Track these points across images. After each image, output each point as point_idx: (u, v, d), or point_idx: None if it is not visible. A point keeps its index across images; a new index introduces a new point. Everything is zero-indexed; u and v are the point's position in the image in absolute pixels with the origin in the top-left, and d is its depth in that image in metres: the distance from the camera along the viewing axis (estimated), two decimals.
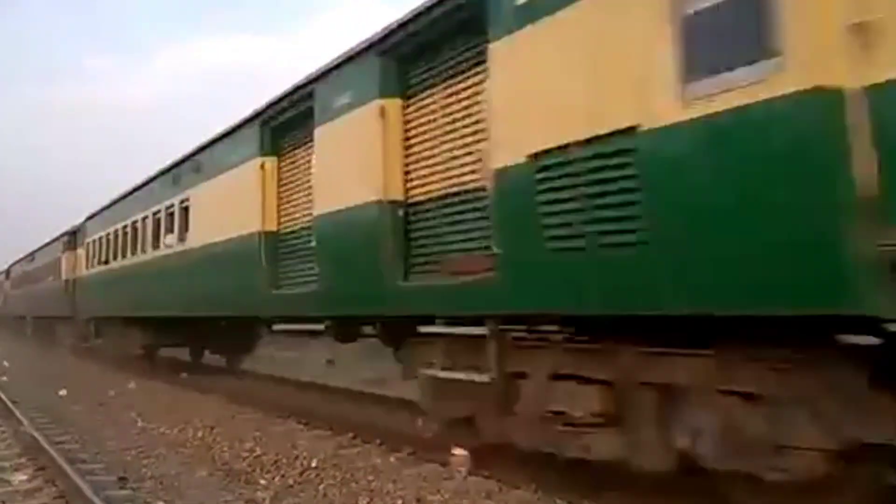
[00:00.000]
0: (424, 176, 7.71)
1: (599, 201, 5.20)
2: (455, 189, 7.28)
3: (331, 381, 14.59)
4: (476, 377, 6.99)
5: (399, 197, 7.92)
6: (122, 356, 19.52)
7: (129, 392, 14.36)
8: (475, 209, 6.93)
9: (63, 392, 14.32)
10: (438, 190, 7.52)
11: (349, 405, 11.71)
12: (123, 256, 18.63)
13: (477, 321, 7.00)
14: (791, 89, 4.02)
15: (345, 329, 10.04)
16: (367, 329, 9.86)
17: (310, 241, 9.68)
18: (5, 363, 19.18)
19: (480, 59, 6.74)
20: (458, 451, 7.45)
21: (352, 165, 8.46)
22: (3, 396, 12.86)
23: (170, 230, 15.28)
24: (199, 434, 9.76)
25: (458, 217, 7.26)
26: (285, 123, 10.67)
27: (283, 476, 7.37)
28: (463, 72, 7.18)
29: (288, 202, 10.78)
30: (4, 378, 16.98)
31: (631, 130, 4.94)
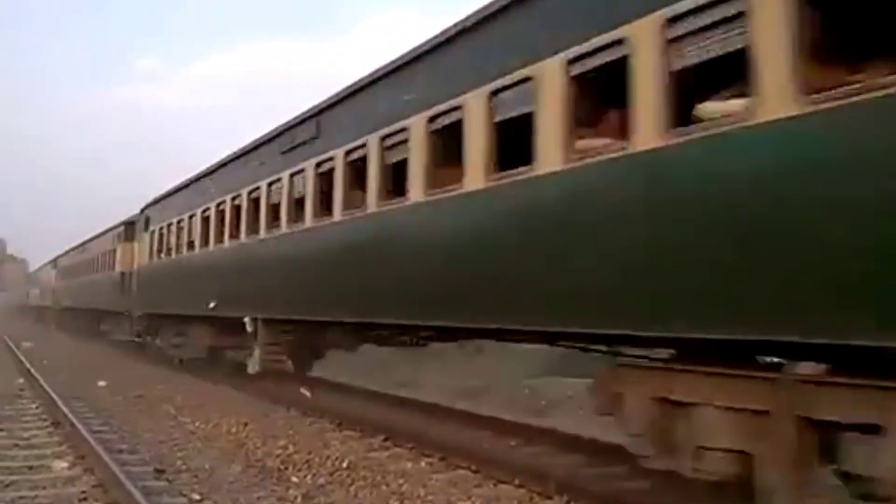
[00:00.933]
0: None
1: None
2: None
3: (365, 383, 14.70)
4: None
5: None
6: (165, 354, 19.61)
7: (165, 385, 14.60)
8: None
9: (102, 383, 14.62)
10: None
11: (380, 407, 11.79)
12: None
13: None
14: None
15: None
16: None
17: None
18: (45, 362, 19.37)
19: None
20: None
21: None
22: (46, 386, 13.17)
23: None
24: (233, 430, 9.91)
25: None
26: None
27: (314, 475, 7.47)
28: None
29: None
30: (44, 361, 17.40)
31: None
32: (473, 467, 7.63)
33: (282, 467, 7.79)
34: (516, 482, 7.04)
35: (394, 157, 8.89)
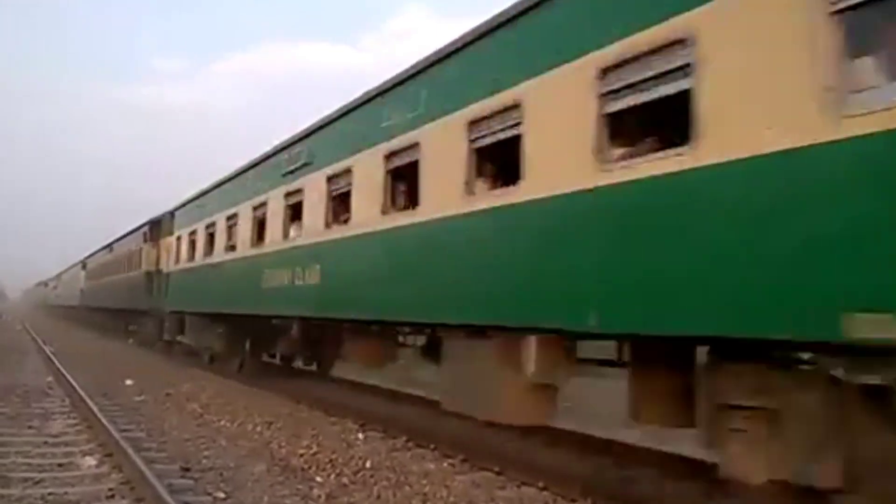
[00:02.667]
0: None
1: None
2: None
3: (383, 382, 14.75)
4: None
5: None
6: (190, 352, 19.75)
7: (191, 384, 14.74)
8: None
9: (130, 382, 14.80)
10: None
11: (403, 408, 11.81)
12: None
13: None
14: None
15: None
16: None
17: None
18: (72, 360, 19.57)
19: None
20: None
21: None
22: (74, 384, 13.35)
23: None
24: (258, 429, 9.99)
25: None
26: None
27: (338, 475, 7.50)
28: None
29: None
30: (72, 359, 17.63)
31: None
32: (497, 468, 7.63)
33: (306, 467, 7.84)
34: (540, 484, 7.04)
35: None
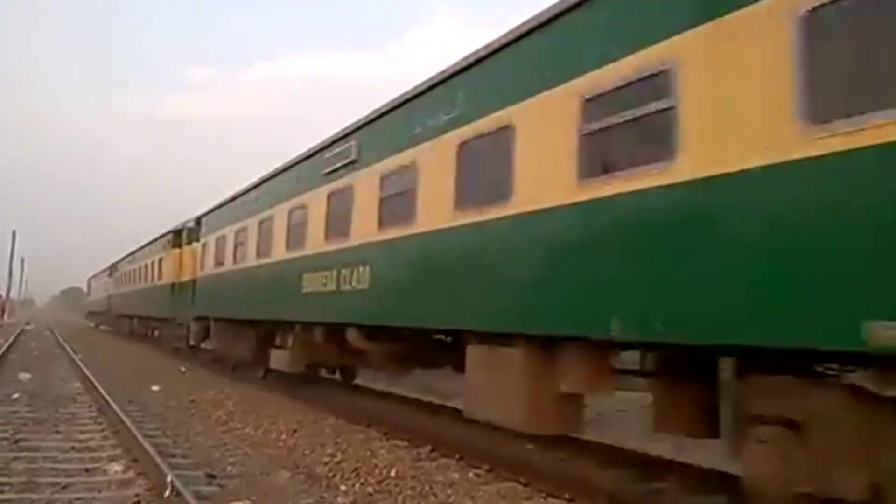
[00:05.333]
0: None
1: None
2: None
3: (409, 392, 14.72)
4: None
5: None
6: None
7: (217, 391, 14.81)
8: None
9: (156, 388, 14.90)
10: None
11: (427, 417, 11.76)
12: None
13: None
14: None
15: None
16: None
17: None
18: (100, 366, 19.76)
19: None
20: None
21: None
22: (101, 390, 13.46)
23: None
24: (282, 437, 10.00)
25: None
26: None
27: (362, 483, 7.48)
28: None
29: None
30: (99, 365, 17.79)
31: None
32: (523, 480, 7.56)
33: (330, 475, 7.83)
34: (566, 496, 6.96)
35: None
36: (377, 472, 7.96)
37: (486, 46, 8.38)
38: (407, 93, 10.08)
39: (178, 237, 24.73)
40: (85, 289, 76.91)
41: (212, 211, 20.85)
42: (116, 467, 7.86)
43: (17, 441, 9.11)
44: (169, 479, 6.70)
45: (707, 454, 7.79)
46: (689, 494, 6.93)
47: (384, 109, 10.73)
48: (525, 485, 7.45)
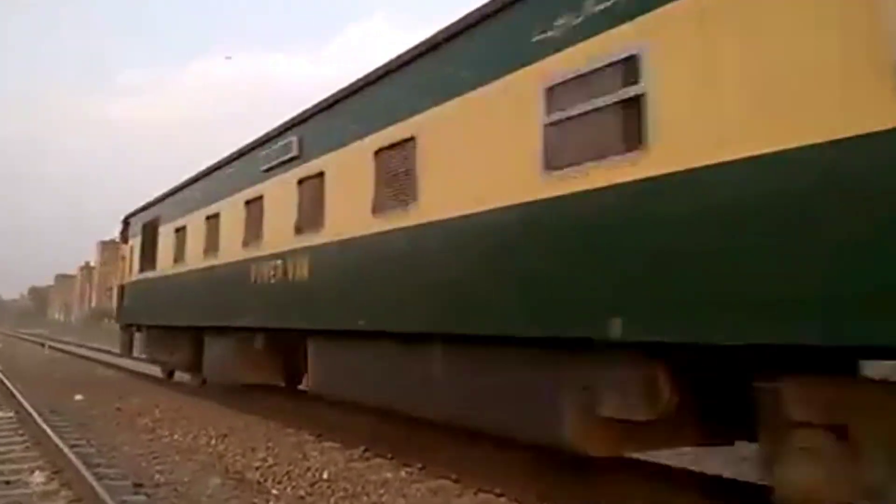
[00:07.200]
0: None
1: None
2: None
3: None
4: None
5: None
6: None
7: (142, 398, 14.49)
8: None
9: (79, 397, 14.48)
10: None
11: (360, 418, 11.74)
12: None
13: None
14: None
15: None
16: None
17: None
18: (21, 374, 19.11)
19: None
20: None
21: None
22: (22, 400, 13.02)
23: None
24: (212, 442, 9.87)
25: None
26: None
27: (294, 487, 7.45)
28: None
29: None
30: (21, 374, 17.19)
31: None
32: (454, 476, 7.65)
33: (261, 479, 7.77)
34: (497, 491, 7.07)
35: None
36: (309, 474, 7.94)
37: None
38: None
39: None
40: None
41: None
42: (39, 479, 7.64)
43: None
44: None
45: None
46: (622, 488, 7.06)
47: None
48: (456, 481, 7.55)
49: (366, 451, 9.17)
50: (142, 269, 18.65)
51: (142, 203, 19.56)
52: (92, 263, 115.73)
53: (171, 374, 18.79)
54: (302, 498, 7.08)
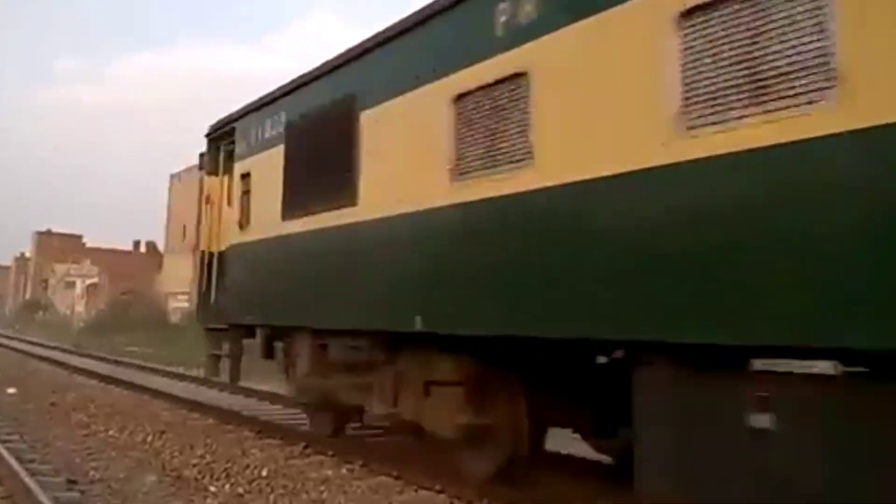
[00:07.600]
0: None
1: None
2: None
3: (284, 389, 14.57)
4: None
5: None
6: None
7: (78, 393, 14.17)
8: None
9: (12, 391, 14.09)
10: None
11: (301, 415, 11.71)
12: None
13: None
14: None
15: None
16: None
17: None
18: None
19: None
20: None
21: None
22: None
23: None
24: (149, 438, 9.71)
25: None
26: None
27: (232, 484, 7.39)
28: None
29: None
30: None
31: None
32: (395, 473, 7.70)
33: (199, 476, 7.69)
34: (437, 487, 7.15)
35: None
36: (248, 471, 7.89)
37: None
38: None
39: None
40: None
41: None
42: None
43: None
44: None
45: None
46: (564, 484, 7.21)
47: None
48: (397, 478, 7.60)
49: (306, 447, 9.15)
50: (283, 217, 9.39)
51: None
52: (27, 254, 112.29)
53: (340, 428, 9.90)
54: (240, 495, 7.03)
